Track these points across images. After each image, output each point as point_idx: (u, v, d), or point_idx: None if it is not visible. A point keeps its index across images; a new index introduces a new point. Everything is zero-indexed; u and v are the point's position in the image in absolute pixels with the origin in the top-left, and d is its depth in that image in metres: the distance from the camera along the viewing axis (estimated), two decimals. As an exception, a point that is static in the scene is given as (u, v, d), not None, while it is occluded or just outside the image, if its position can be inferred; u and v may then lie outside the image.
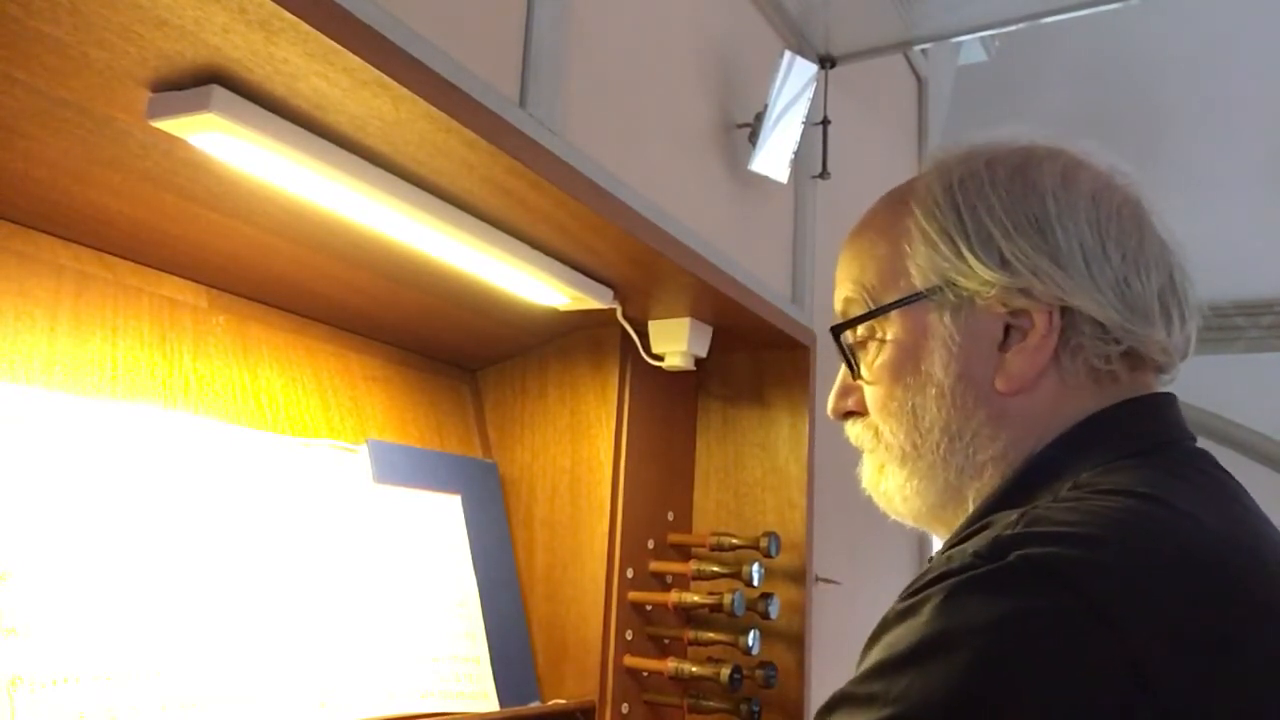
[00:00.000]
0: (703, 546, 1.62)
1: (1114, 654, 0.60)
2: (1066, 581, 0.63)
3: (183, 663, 1.06)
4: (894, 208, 0.90)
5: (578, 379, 1.60)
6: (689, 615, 1.61)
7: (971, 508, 0.84)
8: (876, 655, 0.67)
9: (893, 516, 0.93)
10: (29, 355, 1.07)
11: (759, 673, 1.56)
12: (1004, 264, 0.82)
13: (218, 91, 0.88)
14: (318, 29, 0.79)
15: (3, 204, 1.07)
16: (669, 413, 1.69)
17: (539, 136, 1.12)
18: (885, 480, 0.90)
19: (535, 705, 1.44)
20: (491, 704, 1.38)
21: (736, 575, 1.57)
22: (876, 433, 0.90)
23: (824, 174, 1.90)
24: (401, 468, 1.42)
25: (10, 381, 1.04)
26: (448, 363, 1.65)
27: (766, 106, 1.65)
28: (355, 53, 0.83)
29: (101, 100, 0.91)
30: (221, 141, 0.93)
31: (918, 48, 2.40)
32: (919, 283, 0.86)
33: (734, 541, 1.59)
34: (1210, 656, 0.62)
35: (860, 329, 0.90)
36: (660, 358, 1.56)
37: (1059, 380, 0.82)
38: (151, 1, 0.76)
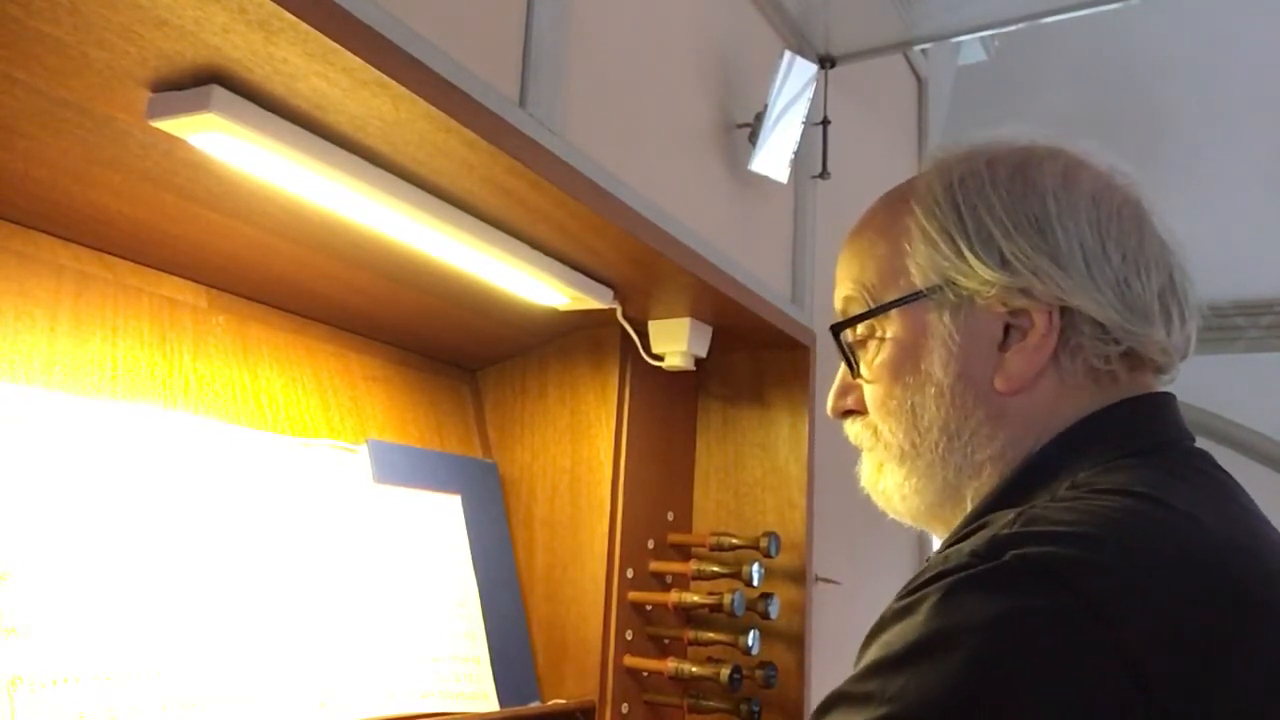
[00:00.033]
0: (703, 546, 1.62)
1: (1112, 654, 0.60)
2: (1063, 581, 0.63)
3: (183, 663, 1.06)
4: (894, 207, 0.90)
5: (578, 379, 1.60)
6: (689, 615, 1.61)
7: (970, 507, 0.84)
8: (873, 654, 0.67)
9: (891, 515, 0.93)
10: (29, 355, 1.07)
11: (759, 673, 1.56)
12: (1004, 263, 0.82)
13: (218, 91, 0.88)
14: (318, 29, 0.79)
15: (3, 204, 1.07)
16: (669, 413, 1.69)
17: (539, 136, 1.12)
18: (884, 479, 0.90)
19: (535, 705, 1.44)
20: (491, 704, 1.38)
21: (736, 575, 1.57)
22: (875, 431, 0.90)
23: (824, 174, 1.90)
24: (401, 468, 1.42)
25: (10, 381, 1.04)
26: (448, 363, 1.65)
27: (766, 106, 1.65)
28: (355, 53, 0.83)
29: (101, 100, 0.91)
30: (221, 141, 0.93)
31: (918, 48, 2.40)
32: (919, 282, 0.86)
33: (734, 541, 1.59)
34: (1209, 657, 0.62)
35: (860, 328, 0.91)
36: (660, 358, 1.56)
37: (1058, 380, 0.82)
38: (151, 1, 0.76)
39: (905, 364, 0.86)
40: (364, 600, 1.29)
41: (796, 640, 1.63)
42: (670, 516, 1.67)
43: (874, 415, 0.90)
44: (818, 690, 1.66)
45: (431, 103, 0.91)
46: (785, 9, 1.83)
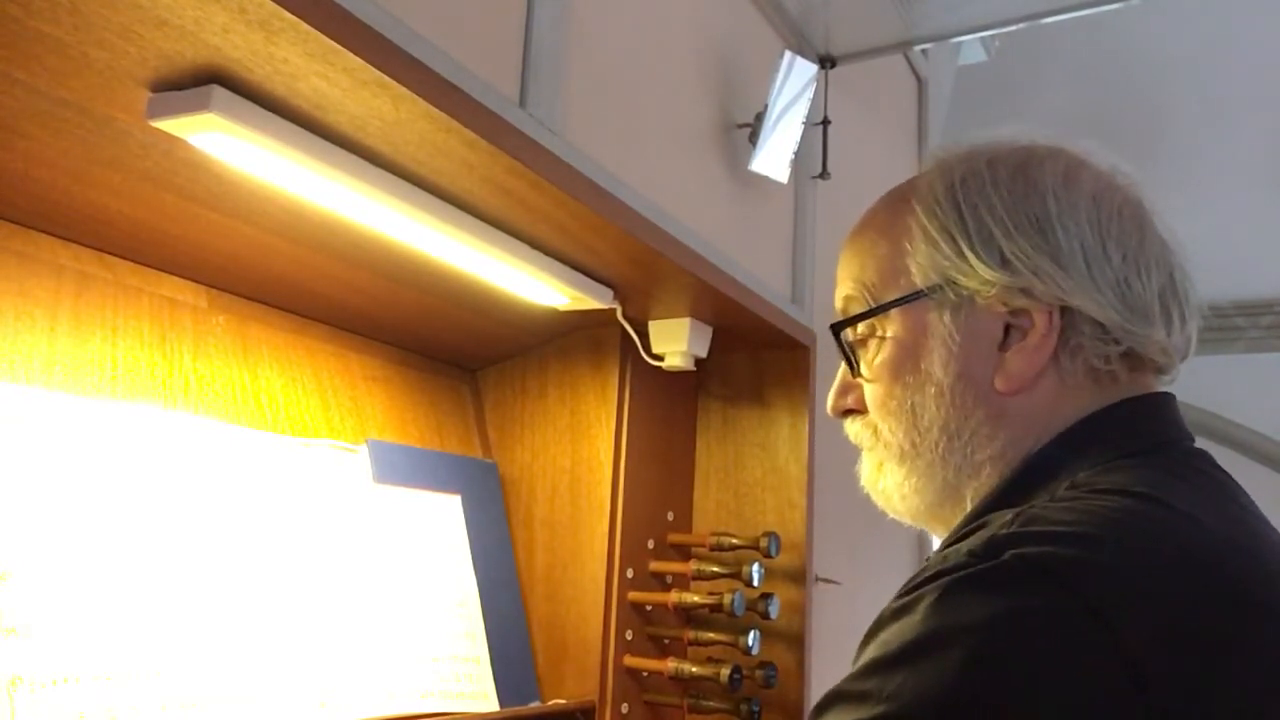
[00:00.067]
0: (703, 546, 1.62)
1: (1110, 654, 0.60)
2: (1062, 581, 0.62)
3: (183, 663, 1.06)
4: (895, 206, 0.91)
5: (578, 379, 1.60)
6: (689, 615, 1.61)
7: (969, 507, 0.84)
8: (871, 653, 0.67)
9: (891, 515, 0.93)
10: (29, 355, 1.07)
11: (759, 673, 1.56)
12: (1004, 263, 0.82)
13: (218, 91, 0.88)
14: (318, 29, 0.79)
15: (3, 204, 1.07)
16: (669, 413, 1.69)
17: (539, 136, 1.12)
18: (884, 478, 0.90)
19: (535, 705, 1.44)
20: (491, 704, 1.38)
21: (736, 575, 1.57)
22: (875, 431, 0.90)
23: (824, 174, 1.90)
24: (401, 468, 1.42)
25: (10, 381, 1.04)
26: (448, 363, 1.65)
27: (766, 106, 1.65)
28: (355, 53, 0.83)
29: (101, 100, 0.91)
30: (221, 141, 0.93)
31: (918, 48, 2.40)
32: (919, 281, 0.86)
33: (734, 541, 1.59)
34: (1208, 657, 0.62)
35: (860, 327, 0.91)
36: (660, 358, 1.56)
37: (1058, 380, 0.82)
38: (151, 1, 0.76)
39: (905, 363, 0.86)
40: (364, 600, 1.29)
41: (796, 640, 1.63)
42: (670, 516, 1.67)
43: (874, 414, 0.90)
44: (818, 690, 1.65)
45: (431, 103, 0.91)
46: (785, 9, 1.83)
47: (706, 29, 1.62)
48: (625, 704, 1.51)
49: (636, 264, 1.34)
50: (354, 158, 1.02)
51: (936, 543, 0.86)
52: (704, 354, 1.60)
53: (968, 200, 0.84)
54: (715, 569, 1.57)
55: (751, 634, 1.55)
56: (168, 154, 1.01)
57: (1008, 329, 0.83)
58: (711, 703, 1.57)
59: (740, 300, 1.48)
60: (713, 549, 1.60)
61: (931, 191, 0.87)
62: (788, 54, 1.69)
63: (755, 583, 1.56)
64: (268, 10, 0.77)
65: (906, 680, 0.63)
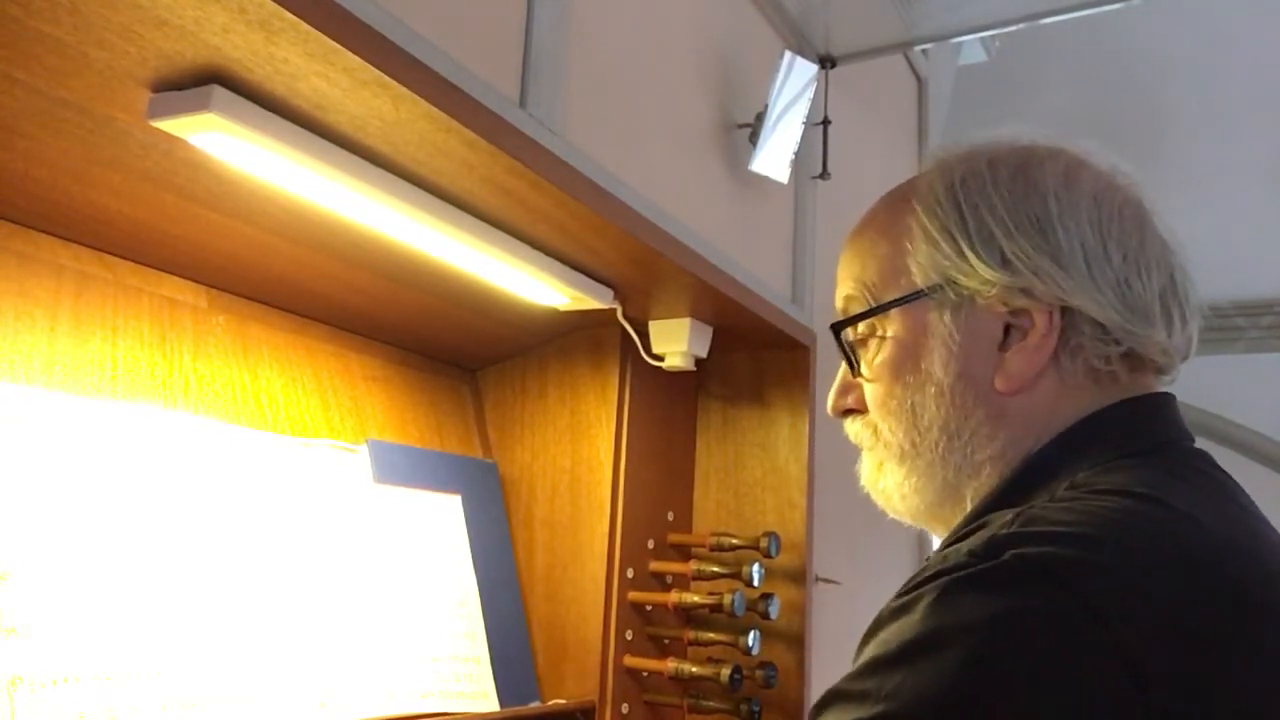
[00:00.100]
0: (703, 546, 1.62)
1: (1110, 654, 0.60)
2: (1061, 581, 0.62)
3: (183, 663, 1.06)
4: (895, 206, 0.91)
5: (578, 379, 1.60)
6: (689, 615, 1.61)
7: (970, 507, 0.84)
8: (870, 652, 0.67)
9: (891, 514, 0.93)
10: (29, 355, 1.07)
11: (759, 673, 1.56)
12: (1005, 263, 0.82)
13: (218, 91, 0.88)
14: (318, 29, 0.79)
15: (3, 204, 1.07)
16: (669, 413, 1.69)
17: (539, 136, 1.12)
18: (884, 478, 0.90)
19: (535, 705, 1.44)
20: (491, 704, 1.38)
21: (736, 575, 1.57)
22: (875, 430, 0.90)
23: (824, 174, 1.90)
24: (401, 468, 1.42)
25: (10, 381, 1.04)
26: (448, 363, 1.65)
27: (767, 106, 1.65)
28: (355, 53, 0.83)
29: (101, 100, 0.91)
30: (221, 141, 0.93)
31: (918, 48, 2.40)
32: (920, 281, 0.86)
33: (734, 541, 1.59)
34: (1208, 657, 0.62)
35: (861, 327, 0.91)
36: (660, 358, 1.56)
37: (1058, 380, 0.82)
38: (151, 1, 0.76)
39: (905, 363, 0.86)
40: (364, 600, 1.29)
41: (796, 640, 1.63)
42: (670, 516, 1.67)
43: (874, 414, 0.90)
44: (818, 690, 1.65)
45: (432, 103, 0.91)
46: (785, 9, 1.83)
47: (706, 29, 1.62)
48: (625, 704, 1.51)
49: (636, 264, 1.34)
50: (354, 158, 1.02)
51: (936, 543, 0.86)
52: (704, 354, 1.60)
53: (968, 200, 0.84)
54: (715, 569, 1.57)
55: (751, 634, 1.55)
56: (168, 154, 1.01)
57: (1008, 329, 0.83)
58: (711, 703, 1.57)
59: (740, 300, 1.48)
60: (713, 549, 1.60)
61: (932, 191, 0.87)
62: (788, 54, 1.69)
63: (755, 583, 1.56)
64: (268, 10, 0.77)
65: (906, 679, 0.63)
